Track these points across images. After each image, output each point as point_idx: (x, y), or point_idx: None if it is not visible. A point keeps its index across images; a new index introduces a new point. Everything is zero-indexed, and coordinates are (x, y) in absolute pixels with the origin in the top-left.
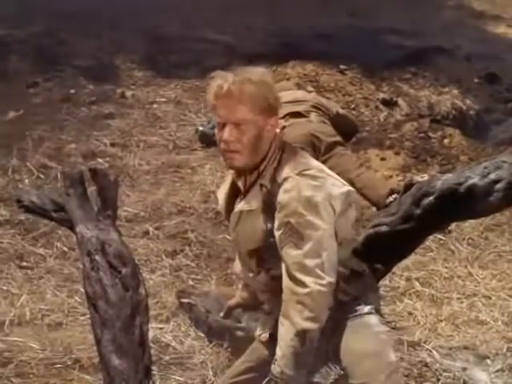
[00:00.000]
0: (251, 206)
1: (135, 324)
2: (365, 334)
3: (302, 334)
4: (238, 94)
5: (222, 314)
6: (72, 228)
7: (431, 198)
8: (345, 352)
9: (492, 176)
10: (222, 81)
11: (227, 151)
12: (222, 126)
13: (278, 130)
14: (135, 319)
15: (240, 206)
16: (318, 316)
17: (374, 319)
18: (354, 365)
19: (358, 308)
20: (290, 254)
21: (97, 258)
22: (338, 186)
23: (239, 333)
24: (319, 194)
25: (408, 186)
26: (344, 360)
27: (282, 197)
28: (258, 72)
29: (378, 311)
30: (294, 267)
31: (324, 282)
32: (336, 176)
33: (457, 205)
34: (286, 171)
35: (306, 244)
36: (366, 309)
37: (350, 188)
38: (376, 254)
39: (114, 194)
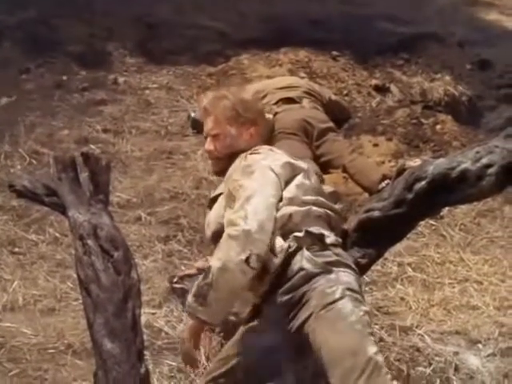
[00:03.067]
0: (216, 192)
1: (127, 308)
2: (341, 330)
3: (207, 270)
4: (211, 110)
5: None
6: (64, 213)
7: (423, 182)
8: (323, 350)
9: (484, 160)
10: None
11: (209, 159)
12: (205, 138)
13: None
14: (127, 303)
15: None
16: (224, 257)
17: (347, 305)
18: (332, 365)
19: (329, 291)
20: (225, 215)
21: (89, 242)
22: (281, 159)
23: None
24: (257, 163)
25: (400, 171)
26: (323, 358)
27: (228, 172)
28: (239, 88)
29: (351, 268)
30: (226, 225)
31: (239, 228)
32: (284, 153)
33: (449, 189)
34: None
35: (236, 203)
36: (339, 292)
37: (292, 160)
38: (368, 239)
39: (106, 178)
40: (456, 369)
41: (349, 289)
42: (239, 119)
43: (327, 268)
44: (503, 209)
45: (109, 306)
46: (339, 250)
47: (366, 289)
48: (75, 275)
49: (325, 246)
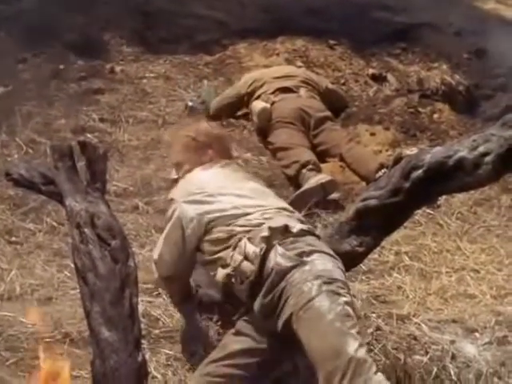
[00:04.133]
0: None
1: (125, 296)
2: (319, 331)
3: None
4: (171, 142)
5: None
6: (61, 201)
7: (420, 171)
8: (307, 352)
9: (481, 149)
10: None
11: None
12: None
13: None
14: (125, 291)
15: None
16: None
17: (324, 302)
18: (317, 366)
19: (306, 288)
20: None
21: (86, 230)
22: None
23: (229, 306)
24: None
25: (397, 160)
26: (310, 358)
27: None
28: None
29: (326, 253)
30: None
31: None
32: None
33: (446, 178)
34: None
35: None
36: (315, 289)
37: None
38: (365, 227)
39: (103, 166)
40: (453, 357)
41: (325, 282)
42: (200, 146)
43: (301, 260)
44: (500, 198)
45: (106, 295)
46: (310, 238)
47: (363, 278)
48: (72, 264)
49: (294, 236)
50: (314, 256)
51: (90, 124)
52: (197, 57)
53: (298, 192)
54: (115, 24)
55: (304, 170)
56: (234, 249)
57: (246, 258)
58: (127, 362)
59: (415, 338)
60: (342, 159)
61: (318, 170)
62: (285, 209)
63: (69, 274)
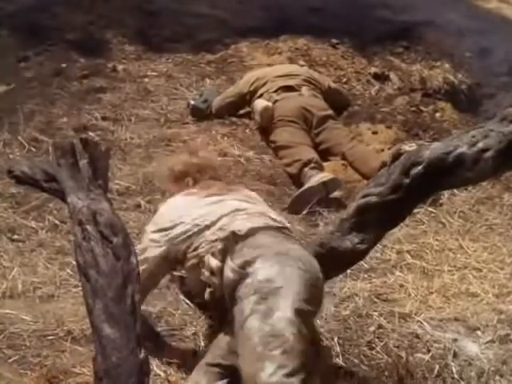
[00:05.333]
0: None
1: (127, 293)
2: (244, 355)
3: None
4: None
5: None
6: (63, 198)
7: (420, 167)
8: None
9: (480, 145)
10: None
11: None
12: None
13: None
14: (127, 288)
15: None
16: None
17: (253, 323)
18: None
19: (243, 307)
20: None
21: (88, 227)
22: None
23: None
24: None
25: (396, 156)
26: None
27: None
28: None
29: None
30: None
31: None
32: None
33: (445, 174)
34: None
35: None
36: (248, 308)
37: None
38: (366, 224)
39: (106, 164)
40: (455, 355)
41: (262, 298)
42: (179, 175)
43: (244, 273)
44: (502, 196)
45: (108, 292)
46: (260, 236)
47: (365, 276)
48: (75, 262)
49: (243, 239)
50: (257, 264)
51: (93, 122)
52: (199, 55)
53: (300, 190)
54: (117, 23)
55: (306, 169)
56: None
57: (211, 273)
58: (129, 359)
59: (417, 336)
60: (344, 158)
61: (320, 169)
62: (243, 209)
63: (71, 272)
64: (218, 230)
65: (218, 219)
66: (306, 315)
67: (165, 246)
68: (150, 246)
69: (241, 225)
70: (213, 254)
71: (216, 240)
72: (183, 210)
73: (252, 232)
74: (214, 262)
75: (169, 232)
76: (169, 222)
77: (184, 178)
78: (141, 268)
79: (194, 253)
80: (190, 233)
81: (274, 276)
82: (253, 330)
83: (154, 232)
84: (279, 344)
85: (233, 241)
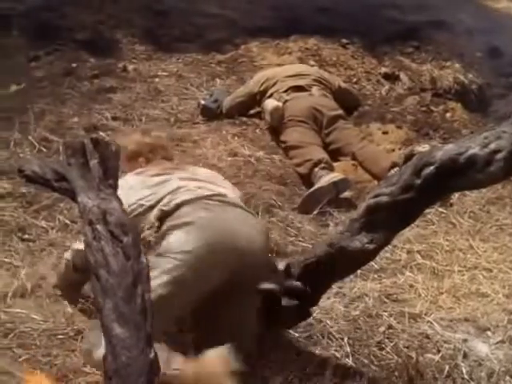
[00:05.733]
0: None
1: (137, 293)
2: None
3: None
4: None
5: None
6: (73, 198)
7: (432, 168)
8: None
9: (492, 146)
10: None
11: None
12: None
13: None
14: (137, 288)
15: None
16: None
17: None
18: None
19: None
20: None
21: (98, 227)
22: None
23: None
24: None
25: (409, 157)
26: None
27: None
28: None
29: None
30: None
31: None
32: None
33: (457, 175)
34: None
35: None
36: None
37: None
38: (376, 224)
39: (116, 163)
40: (465, 356)
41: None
42: (132, 155)
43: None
44: None
45: (118, 291)
46: (185, 210)
47: (375, 276)
48: None
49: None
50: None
51: (103, 122)
52: (209, 55)
53: (310, 190)
54: (127, 22)
55: (316, 169)
56: None
57: None
58: (139, 358)
59: (427, 337)
60: (354, 158)
61: (331, 169)
62: (184, 187)
63: None
64: (157, 210)
65: (161, 198)
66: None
67: None
68: None
69: (169, 202)
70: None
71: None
72: (131, 190)
73: (177, 207)
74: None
75: None
76: None
77: (137, 158)
78: None
79: (141, 235)
80: (135, 213)
81: (172, 244)
82: None
83: None
84: None
85: (163, 218)
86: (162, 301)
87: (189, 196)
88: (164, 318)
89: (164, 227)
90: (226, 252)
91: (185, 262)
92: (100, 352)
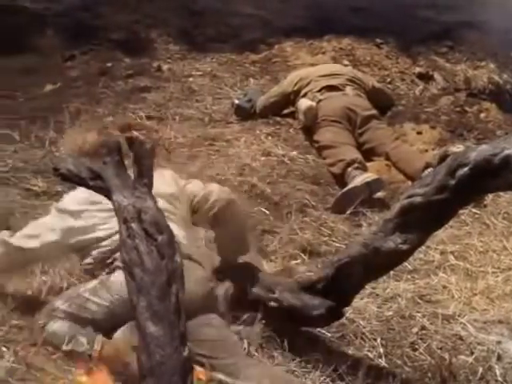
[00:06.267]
0: None
1: (171, 291)
2: None
3: None
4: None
5: None
6: (108, 196)
7: (466, 168)
8: None
9: None
10: None
11: None
12: None
13: None
14: (171, 287)
15: None
16: None
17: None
18: None
19: None
20: None
21: (133, 225)
22: None
23: (273, 303)
24: None
25: (443, 157)
26: None
27: None
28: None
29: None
30: None
31: None
32: None
33: (492, 176)
34: None
35: None
36: None
37: None
38: (410, 225)
39: (151, 162)
40: (498, 358)
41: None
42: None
43: None
44: None
45: (152, 290)
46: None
47: (408, 277)
48: None
49: None
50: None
51: (137, 121)
52: (243, 55)
53: (343, 190)
54: (162, 22)
55: (350, 169)
56: None
57: None
58: (173, 356)
59: (461, 338)
60: (387, 158)
61: (364, 169)
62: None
63: None
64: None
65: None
66: None
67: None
68: None
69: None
70: None
71: None
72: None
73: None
74: None
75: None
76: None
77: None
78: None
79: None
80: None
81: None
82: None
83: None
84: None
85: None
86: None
87: None
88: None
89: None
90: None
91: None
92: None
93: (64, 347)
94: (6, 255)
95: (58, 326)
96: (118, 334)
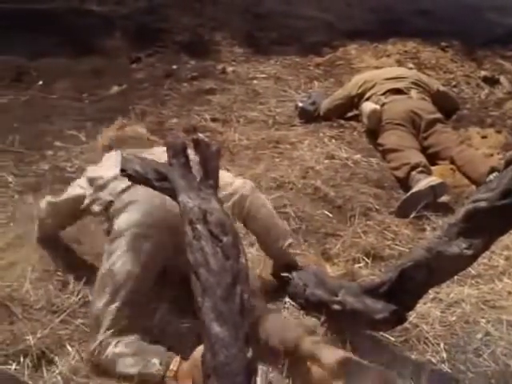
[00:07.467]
0: None
1: (236, 292)
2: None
3: None
4: None
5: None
6: (174, 197)
7: None
8: None
9: None
10: None
11: None
12: None
13: None
14: (236, 288)
15: None
16: None
17: (103, 262)
18: None
19: None
20: None
21: (198, 226)
22: None
23: (336, 306)
24: None
25: (509, 162)
26: None
27: None
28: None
29: None
30: None
31: None
32: None
33: None
34: None
35: None
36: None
37: None
38: (475, 230)
39: (216, 164)
40: None
41: (110, 239)
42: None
43: None
44: None
45: (217, 290)
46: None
47: (473, 282)
48: None
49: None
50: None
51: (202, 123)
52: (307, 58)
53: (407, 194)
54: (226, 25)
55: (414, 173)
56: None
57: None
58: (237, 357)
59: None
60: (452, 162)
61: (429, 173)
62: None
63: None
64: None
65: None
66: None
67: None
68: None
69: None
70: None
71: None
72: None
73: (126, 189)
74: None
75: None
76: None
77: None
78: None
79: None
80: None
81: (121, 224)
82: (100, 270)
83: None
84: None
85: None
86: (132, 276)
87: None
88: (139, 292)
89: (110, 215)
90: (170, 213)
91: (137, 234)
92: None
93: (131, 370)
94: (52, 210)
95: (119, 350)
96: (197, 352)
